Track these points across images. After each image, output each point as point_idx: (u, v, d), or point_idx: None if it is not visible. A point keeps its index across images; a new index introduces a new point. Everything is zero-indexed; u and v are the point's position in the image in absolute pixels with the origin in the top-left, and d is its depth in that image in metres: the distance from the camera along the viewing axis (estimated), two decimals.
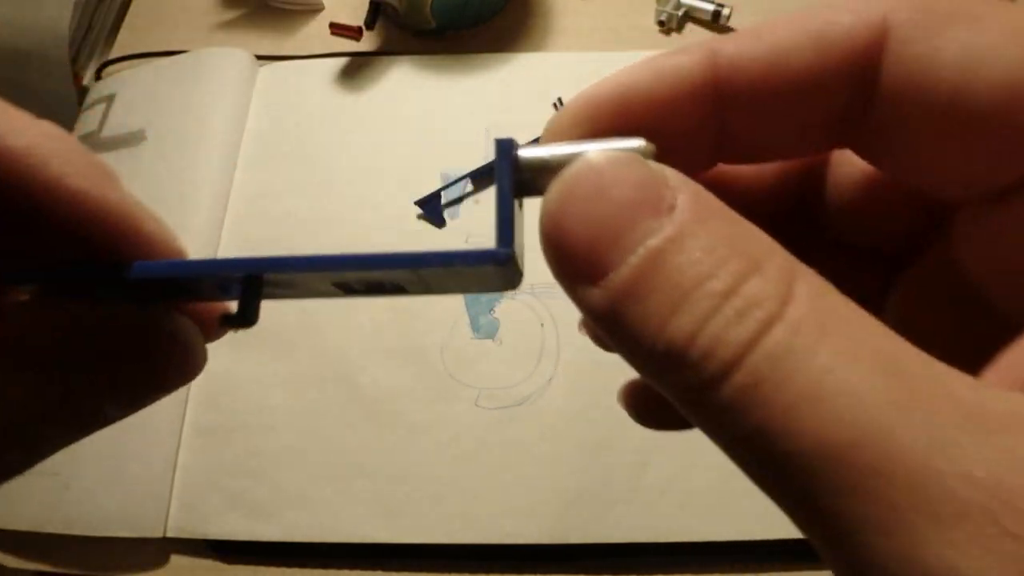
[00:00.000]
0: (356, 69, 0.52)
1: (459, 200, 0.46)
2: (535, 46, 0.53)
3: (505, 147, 0.12)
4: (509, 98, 0.50)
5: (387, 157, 0.48)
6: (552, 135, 0.13)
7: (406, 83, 0.51)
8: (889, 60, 0.11)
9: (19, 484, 0.39)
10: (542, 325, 0.42)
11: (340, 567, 0.38)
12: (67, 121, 0.52)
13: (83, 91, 0.54)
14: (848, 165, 0.15)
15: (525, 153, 0.12)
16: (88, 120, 0.51)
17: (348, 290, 0.14)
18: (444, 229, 0.45)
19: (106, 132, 0.49)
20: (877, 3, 0.12)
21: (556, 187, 0.11)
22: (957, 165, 0.12)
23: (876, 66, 0.12)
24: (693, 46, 0.13)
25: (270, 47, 0.54)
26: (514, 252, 0.12)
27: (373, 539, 0.37)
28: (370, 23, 0.51)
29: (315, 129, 0.50)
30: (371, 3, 0.52)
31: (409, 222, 0.46)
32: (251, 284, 0.14)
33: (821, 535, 0.09)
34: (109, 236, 0.13)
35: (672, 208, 0.10)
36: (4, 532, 0.38)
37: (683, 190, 0.11)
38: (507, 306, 0.43)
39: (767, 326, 0.09)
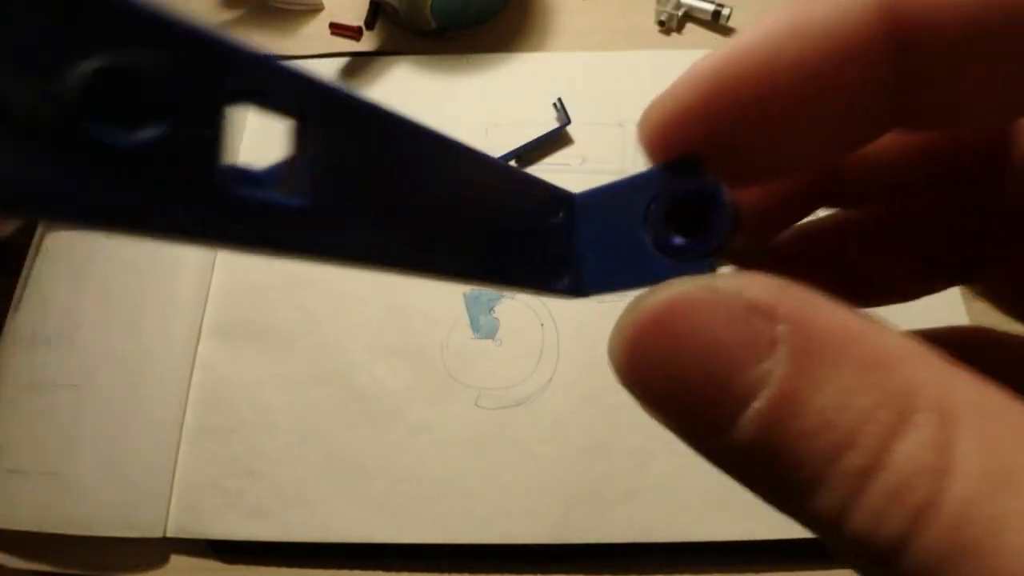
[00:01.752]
0: (356, 69, 0.52)
1: None
2: (535, 46, 0.53)
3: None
4: (509, 98, 0.50)
5: None
6: (660, 128, 0.11)
7: (406, 83, 0.51)
8: None
9: (19, 484, 0.39)
10: (542, 325, 0.42)
11: (340, 567, 0.38)
12: None
13: None
14: None
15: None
16: None
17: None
18: None
19: None
20: None
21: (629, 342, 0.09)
22: None
23: None
24: None
25: (270, 47, 0.54)
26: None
27: (373, 539, 0.37)
28: (370, 23, 0.52)
29: None
30: (371, 3, 0.52)
31: None
32: None
33: None
34: None
35: (773, 345, 0.08)
36: (4, 532, 0.38)
37: (779, 316, 0.08)
38: (507, 306, 0.43)
39: (930, 506, 0.07)
